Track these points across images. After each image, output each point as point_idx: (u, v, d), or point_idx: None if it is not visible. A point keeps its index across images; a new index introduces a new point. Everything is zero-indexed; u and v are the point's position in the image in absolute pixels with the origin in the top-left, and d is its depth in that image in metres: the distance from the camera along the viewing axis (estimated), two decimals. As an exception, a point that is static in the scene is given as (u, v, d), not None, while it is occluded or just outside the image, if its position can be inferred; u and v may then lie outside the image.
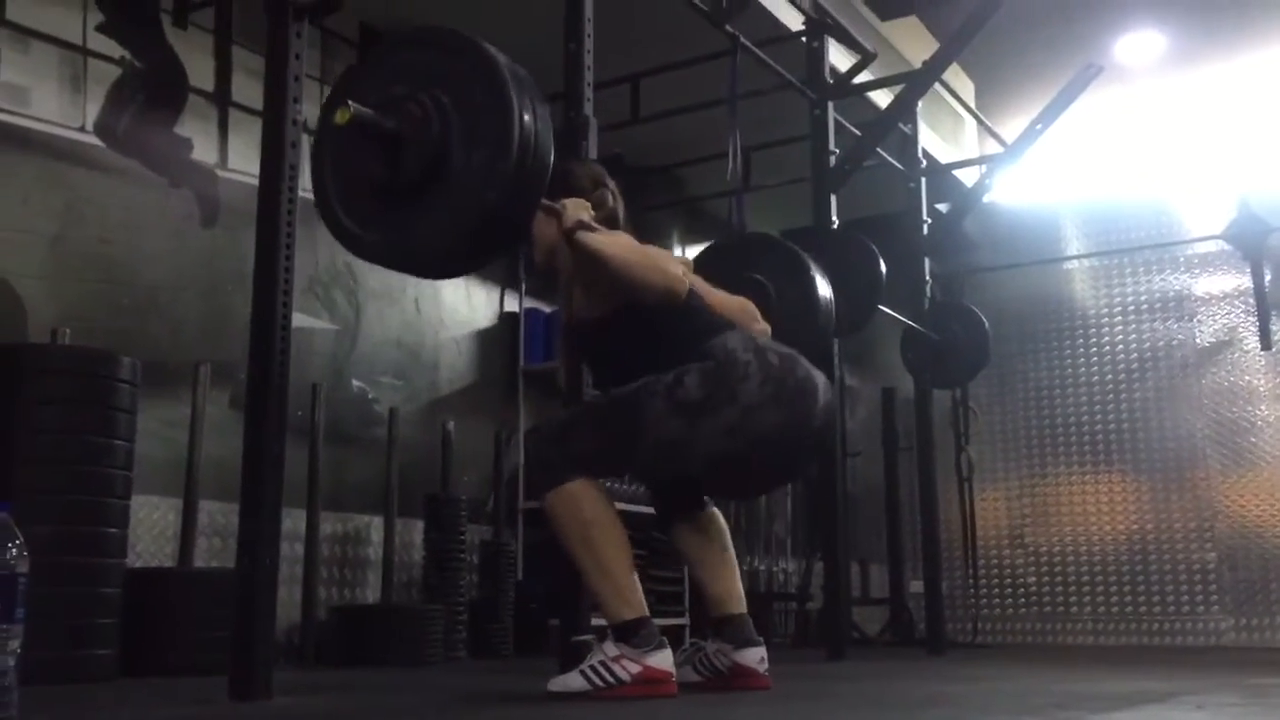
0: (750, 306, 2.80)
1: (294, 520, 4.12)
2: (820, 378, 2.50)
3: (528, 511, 5.55)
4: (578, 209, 2.46)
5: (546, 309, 5.86)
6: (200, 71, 4.50)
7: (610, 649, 2.40)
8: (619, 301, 2.52)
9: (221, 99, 4.56)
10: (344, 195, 2.39)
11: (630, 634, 2.40)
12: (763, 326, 2.78)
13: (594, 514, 2.43)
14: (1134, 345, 7.29)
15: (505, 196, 2.16)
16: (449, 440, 4.97)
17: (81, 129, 4.06)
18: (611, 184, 2.75)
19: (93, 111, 4.10)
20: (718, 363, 2.41)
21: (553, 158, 2.22)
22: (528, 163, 2.15)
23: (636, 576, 2.47)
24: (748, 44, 4.56)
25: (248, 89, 4.50)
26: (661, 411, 2.39)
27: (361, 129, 2.24)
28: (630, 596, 2.43)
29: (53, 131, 3.97)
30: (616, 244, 2.48)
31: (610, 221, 2.65)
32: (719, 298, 2.73)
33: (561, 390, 3.09)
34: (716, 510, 2.80)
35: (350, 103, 2.21)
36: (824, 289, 3.66)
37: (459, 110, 2.21)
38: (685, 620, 5.64)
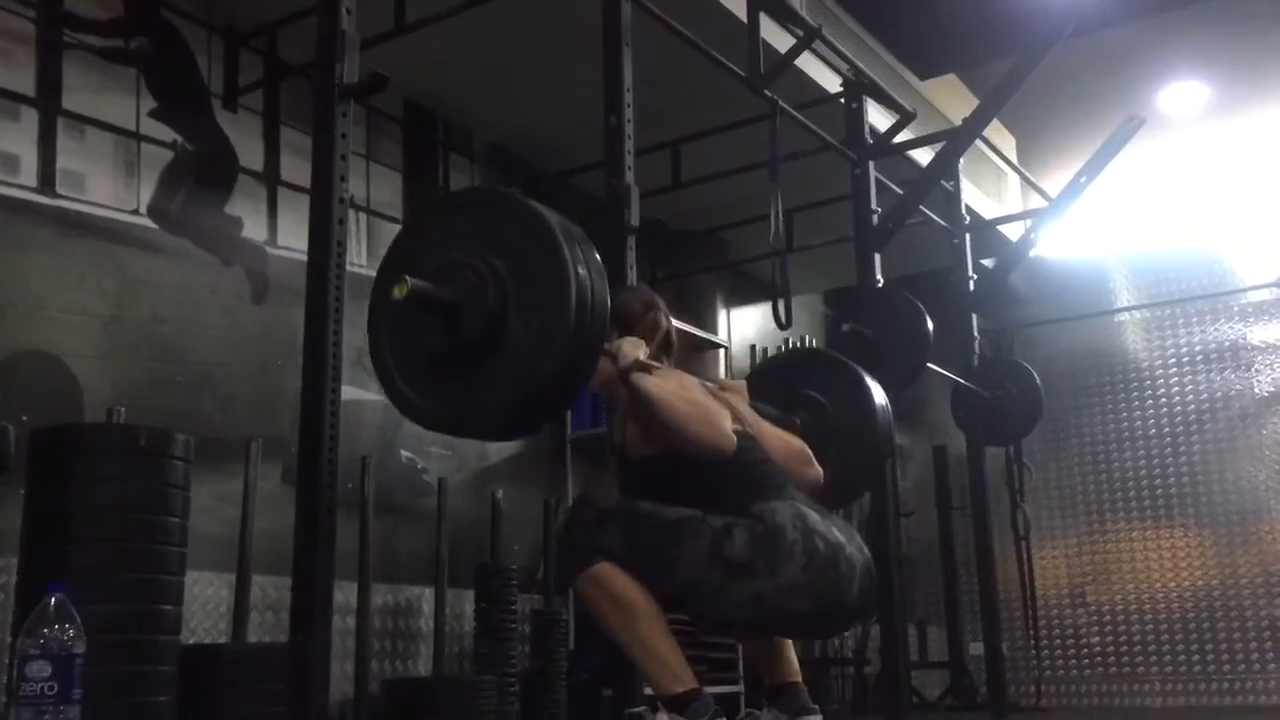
0: (803, 450, 2.75)
1: (345, 593, 4.11)
2: (862, 562, 2.44)
3: (579, 579, 5.51)
4: (634, 349, 2.44)
5: (593, 375, 5.87)
6: (249, 152, 4.59)
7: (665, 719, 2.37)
8: (668, 445, 2.49)
9: (270, 178, 4.65)
10: (403, 364, 2.40)
11: (683, 706, 2.36)
12: (815, 472, 2.73)
13: (624, 593, 2.40)
14: (1190, 397, 7.17)
15: (563, 359, 2.15)
16: (498, 509, 4.96)
17: (135, 212, 4.15)
18: (661, 303, 2.75)
19: (146, 194, 4.20)
20: (767, 530, 2.36)
21: (609, 309, 2.21)
22: (585, 322, 2.14)
23: (678, 649, 2.43)
24: (786, 107, 4.58)
25: (296, 168, 4.59)
26: (701, 554, 2.35)
27: (419, 303, 2.25)
28: (677, 669, 2.39)
29: (108, 215, 4.06)
30: (670, 391, 2.44)
31: (665, 346, 2.66)
32: (771, 440, 2.69)
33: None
34: None
35: (407, 277, 2.21)
36: (880, 399, 3.62)
37: (514, 275, 2.21)
38: (740, 688, 5.55)
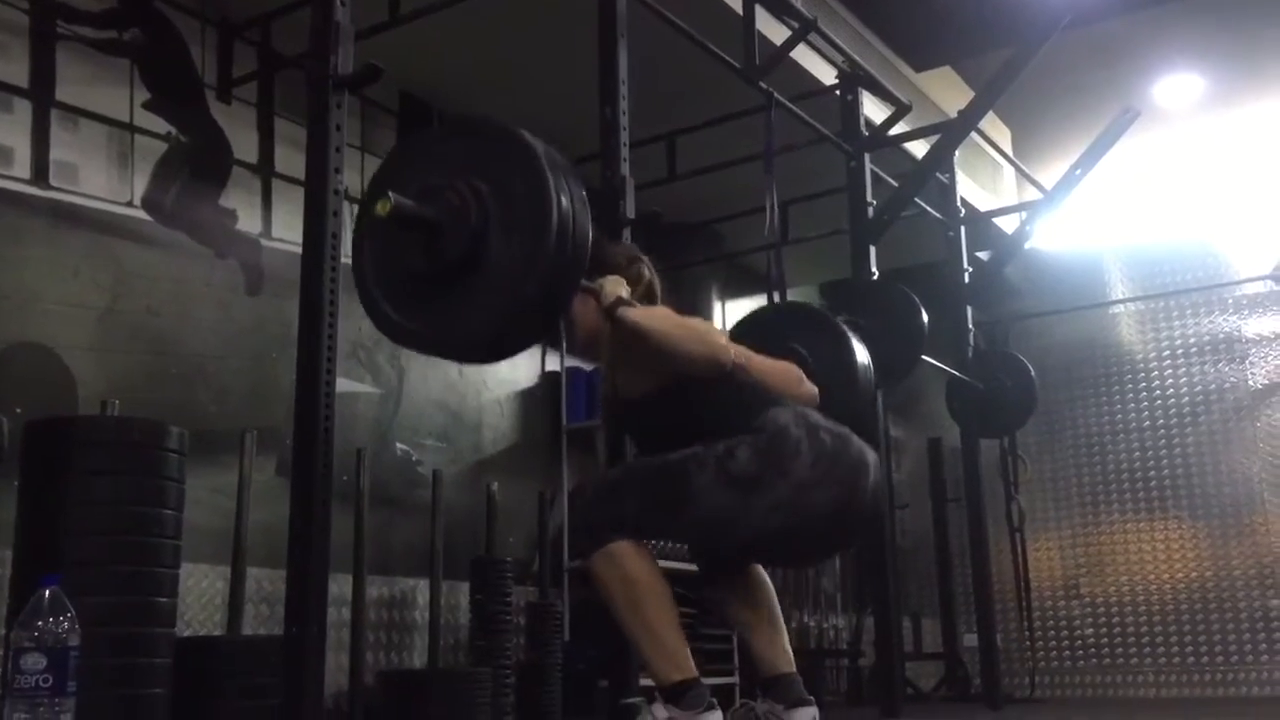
0: (795, 371, 2.76)
1: (340, 585, 4.12)
2: (871, 455, 2.46)
3: (573, 572, 5.52)
4: (616, 286, 2.45)
5: (588, 368, 5.87)
6: (244, 144, 4.58)
7: (660, 711, 2.37)
8: (664, 378, 2.50)
9: (265, 170, 4.64)
10: (385, 284, 2.41)
11: (679, 696, 2.36)
12: (810, 389, 2.73)
13: (638, 574, 2.39)
14: (1185, 389, 7.18)
15: (544, 283, 2.17)
16: (493, 501, 4.96)
17: (129, 204, 4.14)
18: (646, 259, 2.74)
19: (140, 186, 4.19)
20: (769, 438, 2.38)
21: (590, 241, 2.23)
22: (566, 249, 2.16)
23: (683, 636, 2.43)
24: (782, 99, 4.58)
25: (290, 160, 4.58)
26: (711, 483, 2.35)
27: (402, 219, 2.26)
28: (678, 658, 2.40)
29: (102, 207, 4.05)
30: (657, 317, 2.46)
31: (648, 296, 2.64)
32: (764, 363, 2.70)
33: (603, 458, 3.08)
34: (761, 569, 2.76)
35: (390, 194, 2.23)
36: (862, 356, 3.64)
37: (497, 198, 2.23)
38: (735, 679, 5.56)
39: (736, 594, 2.72)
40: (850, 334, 3.68)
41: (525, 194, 2.19)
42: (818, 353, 3.61)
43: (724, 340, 2.52)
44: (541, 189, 2.16)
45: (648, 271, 2.70)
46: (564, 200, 2.17)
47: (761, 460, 2.34)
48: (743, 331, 3.99)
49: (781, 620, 2.73)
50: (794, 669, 2.67)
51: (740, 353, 2.63)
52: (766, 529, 2.37)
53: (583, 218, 2.20)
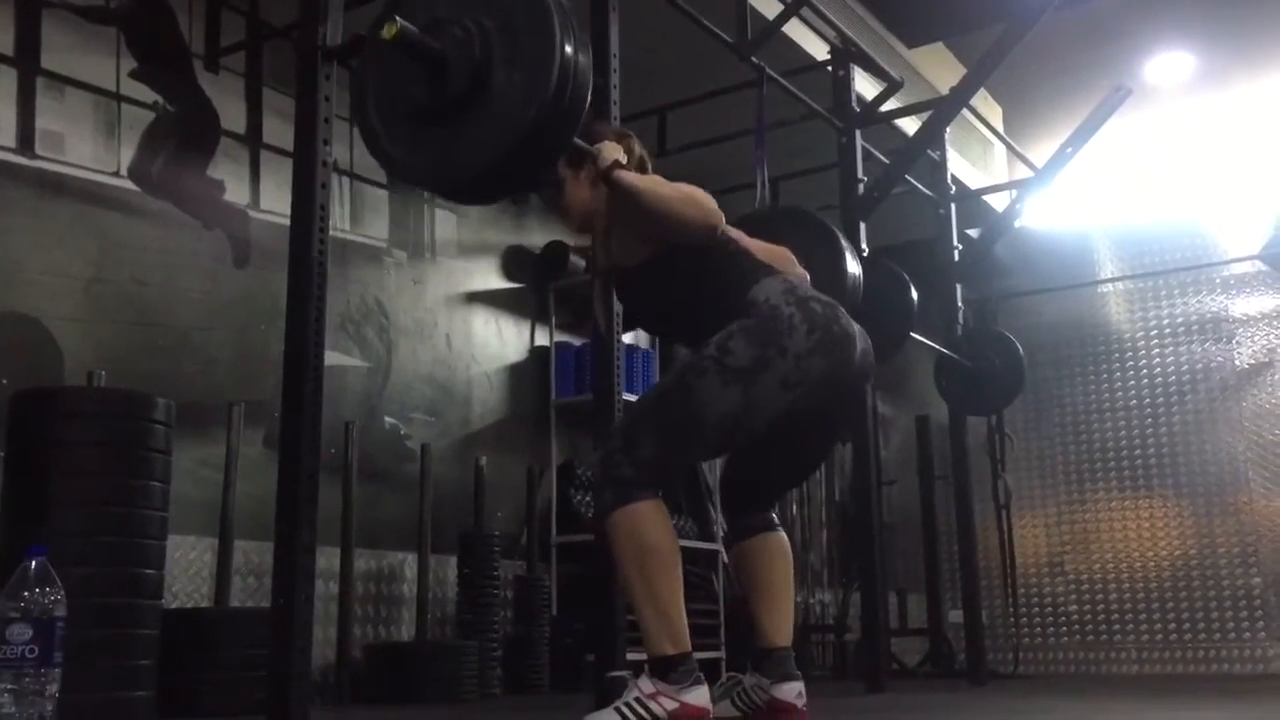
0: (788, 254, 2.79)
1: (328, 558, 4.12)
2: (857, 327, 2.51)
3: (561, 546, 5.53)
4: (614, 151, 2.50)
5: (577, 342, 5.87)
6: (232, 114, 4.55)
7: (646, 685, 2.37)
8: (658, 245, 2.54)
9: (253, 141, 4.61)
10: (385, 118, 2.45)
11: (669, 669, 2.37)
12: (801, 271, 2.76)
13: (655, 541, 2.40)
14: (1172, 368, 7.20)
15: (544, 116, 2.21)
16: (481, 475, 4.97)
17: (116, 173, 4.11)
18: (636, 138, 2.78)
19: (127, 156, 4.16)
20: (761, 320, 2.40)
21: (590, 85, 2.28)
22: (567, 85, 2.22)
23: (683, 611, 2.44)
24: (773, 74, 4.56)
25: (279, 131, 4.55)
26: (715, 385, 2.36)
27: (407, 47, 2.30)
28: (675, 631, 2.40)
29: (88, 176, 4.02)
30: (652, 180, 2.51)
31: (640, 169, 2.67)
32: (756, 244, 2.73)
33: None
34: (784, 535, 2.77)
35: (397, 18, 2.27)
36: (852, 262, 3.66)
37: (503, 34, 2.28)
38: (721, 654, 5.59)
39: (757, 557, 2.72)
40: (841, 239, 3.70)
41: (530, 31, 2.25)
42: (809, 256, 3.64)
43: (716, 206, 2.55)
44: (547, 28, 2.22)
45: (638, 147, 2.74)
46: (568, 42, 2.23)
47: (759, 343, 2.37)
48: (739, 225, 3.97)
49: (790, 594, 2.74)
50: (788, 644, 2.68)
51: (734, 231, 2.67)
52: (778, 409, 2.40)
53: (584, 59, 2.27)
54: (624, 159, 2.51)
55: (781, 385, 2.37)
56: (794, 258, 2.79)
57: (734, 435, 2.44)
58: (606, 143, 2.54)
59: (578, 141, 2.47)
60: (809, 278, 2.75)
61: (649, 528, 2.39)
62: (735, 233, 2.68)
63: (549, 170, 2.56)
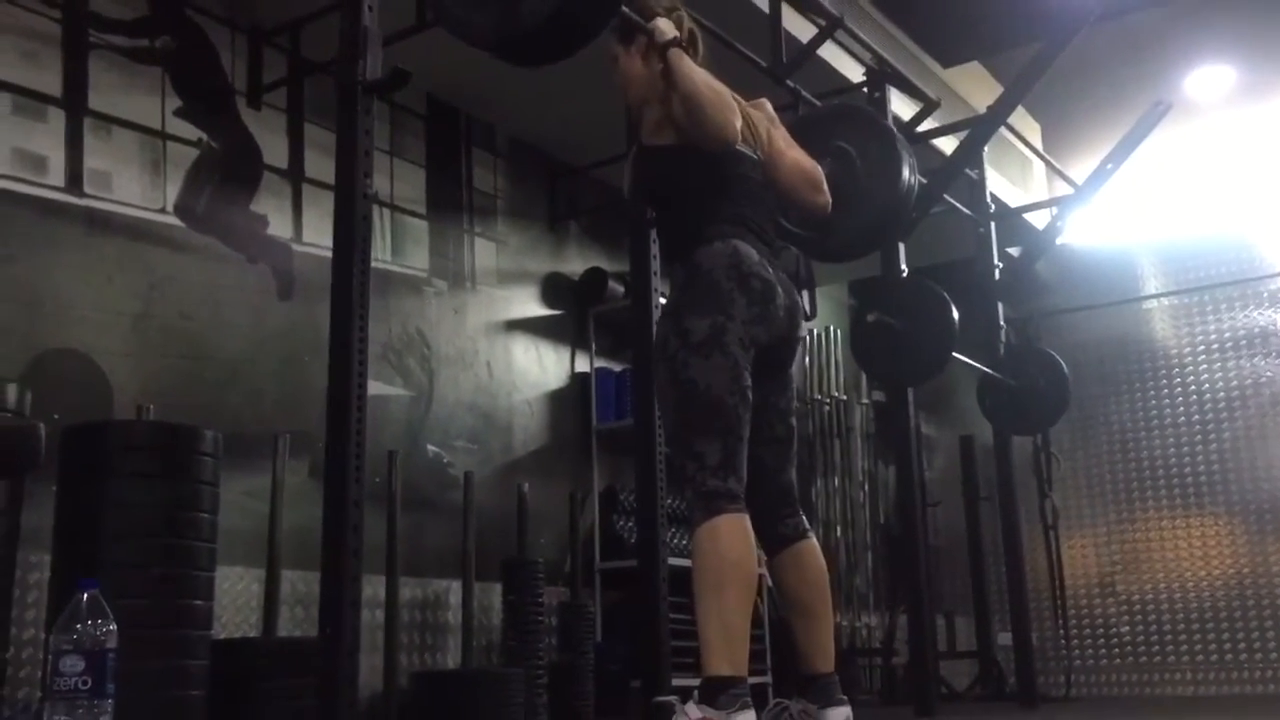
0: (815, 174, 2.86)
1: (374, 586, 4.14)
2: (792, 299, 2.67)
3: (605, 572, 5.53)
4: (671, 28, 2.62)
5: (617, 368, 5.88)
6: (274, 149, 4.62)
7: (694, 711, 2.36)
8: (679, 135, 2.64)
9: (295, 175, 4.67)
10: None
11: (719, 691, 2.35)
12: (823, 199, 2.86)
13: (738, 556, 2.41)
14: (1220, 384, 7.11)
15: None
16: (524, 502, 4.98)
17: (162, 210, 4.18)
18: (684, 9, 2.85)
19: (172, 193, 4.23)
20: (701, 290, 2.54)
21: None
22: None
23: (748, 634, 2.43)
24: (809, 97, 4.57)
25: (320, 164, 4.61)
26: (699, 362, 2.49)
27: None
28: (736, 653, 2.39)
29: (135, 214, 4.09)
30: (699, 72, 2.60)
31: (690, 43, 2.74)
32: (784, 159, 2.81)
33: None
34: (814, 542, 2.76)
35: None
36: (908, 172, 3.68)
37: None
38: (768, 679, 5.56)
39: (791, 570, 2.72)
40: (901, 144, 3.72)
41: None
42: (864, 152, 3.64)
43: (738, 123, 2.64)
44: None
45: (687, 18, 2.82)
46: None
47: (706, 312, 2.52)
48: (799, 124, 3.96)
49: (828, 611, 2.73)
50: (832, 668, 2.66)
51: (767, 140, 2.78)
52: (749, 363, 2.53)
53: None
54: (679, 35, 2.62)
55: (739, 344, 2.51)
56: (822, 179, 2.86)
57: (744, 396, 2.53)
58: (664, 20, 2.65)
59: (630, 15, 2.59)
60: (830, 204, 2.86)
61: (733, 542, 2.42)
62: (764, 135, 2.78)
63: (610, 17, 2.60)
